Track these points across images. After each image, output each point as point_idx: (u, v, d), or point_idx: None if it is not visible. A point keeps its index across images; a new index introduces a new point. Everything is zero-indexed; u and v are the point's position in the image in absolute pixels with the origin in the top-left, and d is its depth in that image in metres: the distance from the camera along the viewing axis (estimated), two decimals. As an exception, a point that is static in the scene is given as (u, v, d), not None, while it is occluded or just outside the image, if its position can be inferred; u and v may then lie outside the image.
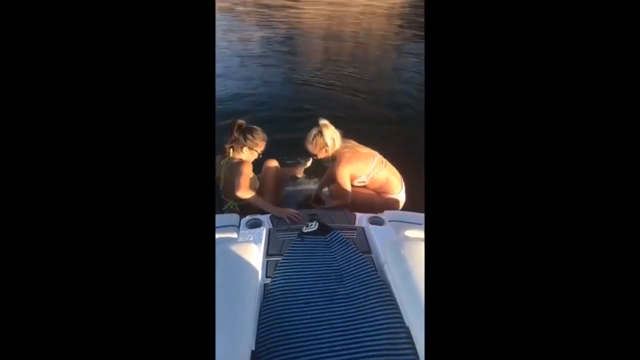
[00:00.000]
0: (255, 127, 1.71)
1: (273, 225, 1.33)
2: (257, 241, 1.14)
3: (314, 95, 4.06)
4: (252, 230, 1.21)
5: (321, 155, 1.70)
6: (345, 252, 1.09)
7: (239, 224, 1.31)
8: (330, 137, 1.63)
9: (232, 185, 1.65)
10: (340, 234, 1.17)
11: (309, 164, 2.29)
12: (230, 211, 1.82)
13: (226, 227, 1.27)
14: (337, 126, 1.71)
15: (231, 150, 1.70)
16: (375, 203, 1.70)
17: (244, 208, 1.78)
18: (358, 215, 1.44)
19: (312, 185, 2.29)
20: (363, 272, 1.00)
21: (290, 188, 2.17)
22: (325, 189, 1.92)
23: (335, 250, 1.11)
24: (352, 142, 1.72)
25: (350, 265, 1.03)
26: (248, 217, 1.33)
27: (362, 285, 0.95)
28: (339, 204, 1.68)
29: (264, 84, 4.33)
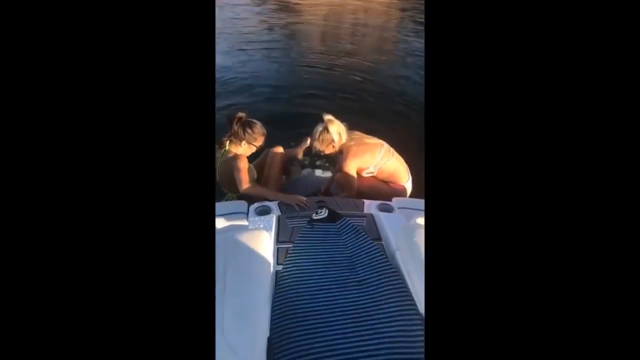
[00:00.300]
0: (255, 121, 1.68)
1: (282, 212, 1.32)
2: (267, 228, 1.13)
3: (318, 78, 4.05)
4: (262, 218, 1.20)
5: (328, 150, 1.68)
6: (356, 240, 1.08)
7: (247, 211, 1.30)
8: (336, 132, 1.61)
9: (230, 178, 1.66)
10: (350, 221, 1.16)
11: (307, 143, 2.28)
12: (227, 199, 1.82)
13: (235, 215, 1.26)
14: (342, 110, 1.68)
15: (228, 142, 1.68)
16: (383, 192, 1.69)
17: (243, 199, 1.77)
18: (366, 202, 1.43)
19: (320, 174, 2.27)
20: (375, 259, 0.99)
21: (299, 176, 2.16)
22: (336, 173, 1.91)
23: (345, 238, 1.10)
24: (358, 134, 1.69)
25: (362, 253, 1.03)
26: (256, 204, 1.31)
27: (374, 273, 0.95)
28: (346, 195, 1.67)
29: (264, 69, 4.32)
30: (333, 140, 1.63)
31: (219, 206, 1.32)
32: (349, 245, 1.07)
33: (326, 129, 1.62)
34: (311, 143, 1.73)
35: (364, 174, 1.68)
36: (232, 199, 1.79)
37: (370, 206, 1.38)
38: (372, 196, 1.73)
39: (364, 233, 1.10)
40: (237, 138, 1.65)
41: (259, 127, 1.68)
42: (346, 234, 1.11)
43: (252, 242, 0.95)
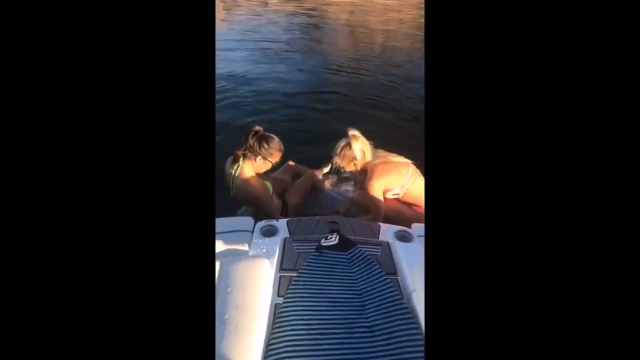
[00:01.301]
0: (272, 135, 1.61)
1: (290, 233, 1.21)
2: (270, 253, 1.02)
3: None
4: (266, 240, 1.09)
5: (349, 168, 1.57)
6: (368, 274, 0.95)
7: (253, 229, 1.21)
8: (359, 150, 1.50)
9: (248, 196, 1.61)
10: (363, 251, 1.03)
11: (327, 169, 2.17)
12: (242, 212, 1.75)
13: (239, 234, 1.16)
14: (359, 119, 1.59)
15: (242, 157, 1.61)
16: (406, 216, 1.54)
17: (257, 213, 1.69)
18: (383, 227, 1.28)
19: (341, 188, 2.15)
20: (388, 300, 0.85)
21: (322, 193, 2.05)
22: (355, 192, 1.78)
23: (356, 270, 0.97)
24: (383, 152, 1.57)
25: (374, 291, 0.89)
26: (263, 223, 1.21)
27: (387, 317, 0.80)
28: (371, 219, 1.53)
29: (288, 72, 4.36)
30: (355, 158, 1.52)
31: (224, 222, 1.23)
32: (359, 280, 0.94)
33: (349, 145, 1.52)
34: (332, 158, 1.63)
35: (389, 195, 1.54)
36: (244, 209, 1.73)
37: (386, 232, 1.23)
38: (393, 220, 1.58)
39: (377, 266, 0.97)
40: (252, 153, 1.58)
41: (276, 143, 1.61)
42: (357, 266, 0.98)
43: (249, 271, 0.84)
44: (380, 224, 1.31)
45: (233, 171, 1.62)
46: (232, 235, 1.15)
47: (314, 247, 1.07)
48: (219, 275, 0.81)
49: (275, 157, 1.64)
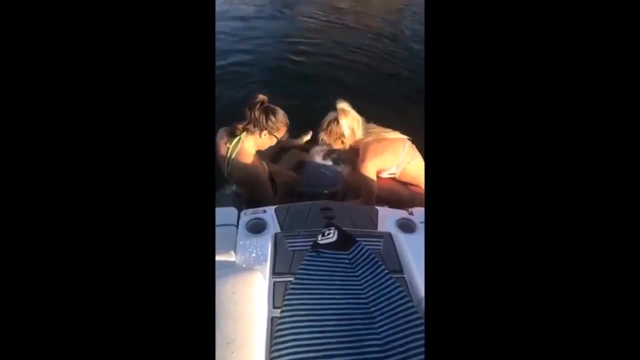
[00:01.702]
0: (276, 107, 1.40)
1: (280, 223, 1.08)
2: (261, 257, 0.90)
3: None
4: (254, 239, 0.96)
5: (336, 145, 1.42)
6: (374, 277, 0.85)
7: (237, 222, 1.07)
8: (347, 126, 1.34)
9: (244, 178, 1.44)
10: (366, 249, 0.92)
11: (308, 137, 2.01)
12: (231, 193, 1.60)
13: (222, 230, 1.02)
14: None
15: (245, 132, 1.40)
16: (403, 197, 1.44)
17: (246, 194, 1.55)
18: (381, 211, 1.18)
19: (329, 162, 2.01)
20: (399, 310, 0.76)
21: (308, 169, 1.90)
22: (345, 169, 1.65)
23: (360, 274, 0.87)
24: (376, 128, 1.42)
25: (382, 297, 0.79)
26: (249, 217, 1.07)
27: (400, 333, 0.72)
28: (362, 202, 1.42)
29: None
30: (343, 135, 1.37)
31: None
32: (364, 285, 0.84)
33: (336, 121, 1.36)
34: (318, 133, 1.47)
35: (384, 175, 1.43)
36: (234, 190, 1.57)
37: (386, 219, 1.13)
38: (388, 201, 1.49)
39: (382, 267, 0.87)
40: (257, 127, 1.37)
41: (282, 116, 1.41)
42: (361, 268, 0.88)
43: (240, 291, 0.72)
44: (378, 208, 1.21)
45: (230, 147, 1.42)
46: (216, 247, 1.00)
47: (310, 243, 0.95)
48: None
49: (282, 132, 1.44)
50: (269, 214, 1.12)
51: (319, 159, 1.95)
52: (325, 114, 1.43)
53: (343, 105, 1.36)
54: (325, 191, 1.75)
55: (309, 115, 1.81)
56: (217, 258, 0.84)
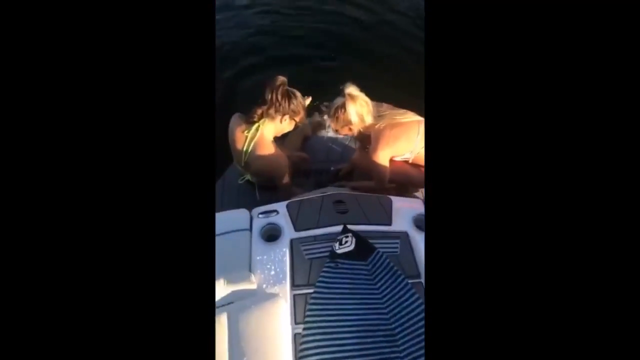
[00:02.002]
0: (294, 90, 1.31)
1: (292, 221, 1.06)
2: (280, 274, 0.89)
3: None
4: (271, 252, 0.94)
5: (344, 132, 1.35)
6: (395, 290, 0.86)
7: (250, 225, 1.05)
8: (355, 113, 1.25)
9: (261, 167, 1.38)
10: (384, 257, 0.92)
11: (307, 101, 1.91)
12: (243, 182, 1.56)
13: (235, 238, 1.00)
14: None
15: (265, 118, 1.31)
16: (414, 179, 1.40)
17: (261, 181, 1.51)
18: (395, 202, 1.15)
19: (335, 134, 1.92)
20: (421, 326, 0.78)
21: (314, 142, 1.83)
22: (355, 152, 1.59)
23: (380, 286, 0.87)
24: (388, 109, 1.33)
25: (404, 315, 0.81)
26: (262, 221, 1.04)
27: (420, 344, 0.74)
28: (374, 186, 1.38)
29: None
30: (350, 122, 1.28)
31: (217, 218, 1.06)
32: (385, 298, 0.85)
33: (343, 107, 1.26)
34: (326, 118, 1.39)
35: (397, 159, 1.37)
36: (246, 179, 1.53)
37: (400, 212, 1.11)
38: (401, 184, 1.45)
39: (401, 276, 0.87)
40: (279, 111, 1.28)
41: (300, 98, 1.32)
42: (380, 279, 0.88)
43: (264, 324, 0.73)
44: (392, 198, 1.18)
45: (249, 135, 1.33)
46: (228, 241, 0.99)
47: (327, 249, 0.94)
48: (228, 332, 0.69)
49: (301, 115, 1.36)
50: (281, 214, 1.09)
51: (324, 132, 1.86)
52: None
53: (351, 89, 1.26)
54: (333, 168, 1.71)
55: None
56: (238, 287, 0.83)
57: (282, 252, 0.94)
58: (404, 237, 0.99)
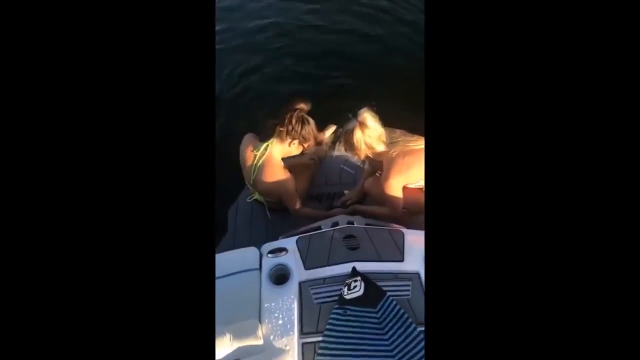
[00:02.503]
0: (309, 118, 1.35)
1: (302, 258, 1.05)
2: (288, 323, 0.88)
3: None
4: (279, 298, 0.94)
5: (354, 154, 1.32)
6: (405, 341, 0.83)
7: (260, 264, 1.05)
8: (361, 140, 1.24)
9: (270, 189, 1.42)
10: (394, 304, 0.89)
11: (330, 130, 1.88)
12: (252, 200, 1.58)
13: (243, 279, 1.00)
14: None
15: (274, 138, 1.37)
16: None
17: (270, 202, 1.52)
18: (408, 237, 1.12)
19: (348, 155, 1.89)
20: None
21: (325, 163, 1.82)
22: (367, 180, 1.57)
23: (390, 336, 0.85)
24: (401, 136, 1.30)
25: None
26: (271, 261, 1.04)
27: None
28: (386, 214, 1.35)
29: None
30: (357, 149, 1.27)
31: (222, 259, 1.06)
32: (395, 349, 0.82)
33: (352, 133, 1.25)
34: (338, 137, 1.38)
35: (410, 186, 1.34)
36: (257, 199, 1.54)
37: (413, 248, 1.08)
38: (413, 211, 1.42)
39: (412, 325, 0.84)
40: (289, 134, 1.34)
41: (313, 126, 1.37)
42: (390, 329, 0.86)
43: None
44: (404, 231, 1.15)
45: (258, 154, 1.39)
46: (237, 282, 0.99)
47: (336, 292, 0.93)
48: None
49: (311, 142, 1.42)
50: (290, 251, 1.08)
51: (335, 151, 1.84)
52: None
53: (364, 117, 1.24)
54: (346, 191, 1.68)
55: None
56: (244, 342, 0.83)
57: (291, 299, 0.93)
58: (415, 279, 0.96)
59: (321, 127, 1.69)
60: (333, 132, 1.84)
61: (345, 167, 1.79)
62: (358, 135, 1.23)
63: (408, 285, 0.94)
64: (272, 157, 1.39)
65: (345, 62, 2.58)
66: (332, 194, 1.70)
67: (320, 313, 0.90)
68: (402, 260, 1.04)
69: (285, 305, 0.92)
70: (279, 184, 1.40)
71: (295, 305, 0.91)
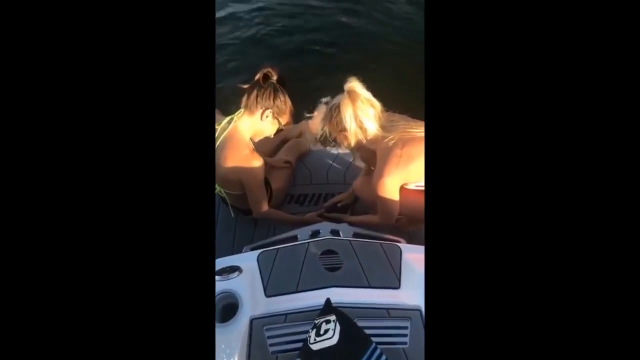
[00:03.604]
0: (284, 90, 1.08)
1: (263, 283, 0.77)
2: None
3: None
4: (221, 346, 0.65)
5: (340, 139, 1.03)
6: None
7: None
8: (350, 116, 0.95)
9: (230, 175, 1.10)
10: (383, 358, 0.60)
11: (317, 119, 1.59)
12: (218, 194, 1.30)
13: None
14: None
15: (242, 109, 1.09)
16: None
17: (235, 198, 1.22)
18: (406, 254, 0.84)
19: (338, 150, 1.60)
20: None
21: (310, 159, 1.52)
22: (356, 179, 1.27)
23: None
24: (401, 121, 1.01)
25: None
26: (220, 287, 0.76)
27: None
28: (379, 222, 1.07)
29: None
30: (345, 129, 0.98)
31: None
32: None
33: (337, 108, 0.96)
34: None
35: (410, 187, 1.05)
36: (219, 193, 1.25)
37: (412, 270, 0.79)
38: (412, 218, 1.13)
39: None
40: (261, 104, 1.05)
41: (288, 99, 1.09)
42: None
43: None
44: (401, 246, 0.87)
45: (219, 128, 1.10)
46: None
47: (300, 338, 0.64)
48: None
49: (286, 119, 1.13)
50: (246, 271, 0.80)
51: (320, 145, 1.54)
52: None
53: (352, 85, 0.95)
54: (334, 193, 1.40)
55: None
56: None
57: (235, 343, 0.65)
58: (416, 318, 0.68)
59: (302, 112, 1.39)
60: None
61: (334, 164, 1.50)
62: (346, 108, 0.94)
63: (405, 330, 0.66)
64: (237, 133, 1.08)
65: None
66: (318, 196, 1.42)
67: None
68: (397, 287, 0.76)
69: (227, 352, 0.64)
70: (243, 170, 1.08)
71: (239, 353, 0.63)
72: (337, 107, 0.97)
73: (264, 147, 1.38)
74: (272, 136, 1.19)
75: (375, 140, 0.99)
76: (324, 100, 1.06)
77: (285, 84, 1.10)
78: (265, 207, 1.19)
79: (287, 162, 1.39)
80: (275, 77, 1.06)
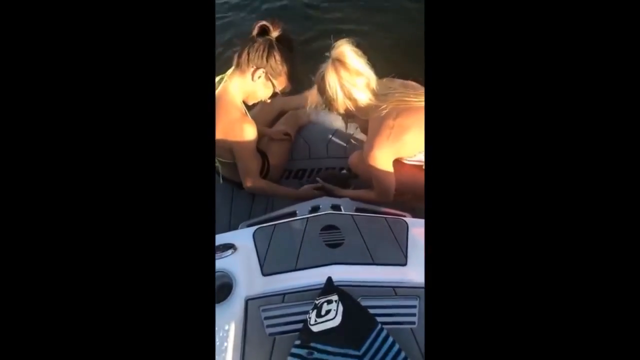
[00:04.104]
0: (284, 50, 0.97)
1: (259, 261, 0.72)
2: (222, 355, 0.56)
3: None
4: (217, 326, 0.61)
5: (329, 108, 0.94)
6: None
7: None
8: (338, 85, 0.85)
9: (218, 140, 1.03)
10: (390, 339, 0.55)
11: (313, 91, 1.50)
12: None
13: None
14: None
15: (233, 68, 0.99)
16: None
17: (226, 167, 1.16)
18: (414, 229, 0.78)
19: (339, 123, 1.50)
20: None
21: (309, 132, 1.44)
22: (352, 153, 1.20)
23: None
24: (399, 88, 0.91)
25: None
26: (218, 267, 0.71)
27: None
28: (376, 199, 1.00)
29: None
30: (333, 99, 0.89)
31: None
32: None
33: (323, 75, 0.88)
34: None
35: (406, 161, 0.98)
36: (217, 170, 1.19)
37: (420, 246, 0.74)
38: (411, 192, 1.07)
39: None
40: (253, 62, 0.95)
41: (287, 63, 0.98)
42: None
43: None
44: (408, 221, 0.81)
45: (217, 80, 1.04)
46: None
47: (300, 319, 0.59)
48: None
49: (282, 83, 1.02)
50: (241, 249, 0.74)
51: (320, 117, 1.45)
52: None
53: (341, 50, 0.85)
54: (335, 168, 1.33)
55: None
56: None
57: (228, 325, 0.60)
58: (424, 296, 0.63)
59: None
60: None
61: (333, 138, 1.42)
62: (331, 77, 0.85)
63: (413, 309, 0.61)
64: (227, 94, 0.99)
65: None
66: (317, 171, 1.35)
67: (272, 351, 0.57)
68: (404, 263, 0.71)
69: (221, 335, 0.60)
70: (232, 134, 1.00)
71: (234, 335, 0.58)
72: (323, 77, 0.88)
73: (260, 117, 1.30)
74: (268, 100, 1.08)
75: (367, 110, 0.91)
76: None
77: (291, 44, 0.99)
78: (256, 178, 1.11)
79: (286, 134, 1.31)
80: (275, 33, 0.95)
